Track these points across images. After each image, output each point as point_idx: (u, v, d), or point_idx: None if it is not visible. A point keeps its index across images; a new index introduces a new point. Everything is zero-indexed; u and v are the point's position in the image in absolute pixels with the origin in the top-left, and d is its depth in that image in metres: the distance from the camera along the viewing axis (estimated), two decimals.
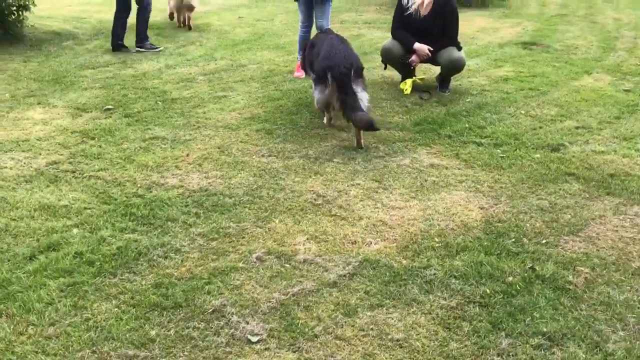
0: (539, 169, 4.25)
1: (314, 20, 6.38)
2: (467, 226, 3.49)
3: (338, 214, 3.63)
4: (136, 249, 3.27)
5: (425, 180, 4.08)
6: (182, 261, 3.17)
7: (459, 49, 5.73)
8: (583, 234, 3.42)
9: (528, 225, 3.50)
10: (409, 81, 5.80)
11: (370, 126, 4.46)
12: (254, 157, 4.47)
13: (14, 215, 3.64)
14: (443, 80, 5.93)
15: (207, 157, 4.46)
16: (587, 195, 3.87)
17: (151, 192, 3.94)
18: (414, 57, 5.69)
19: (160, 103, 5.72)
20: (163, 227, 3.50)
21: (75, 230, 3.46)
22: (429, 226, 3.49)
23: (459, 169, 4.26)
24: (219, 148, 4.62)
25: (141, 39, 7.81)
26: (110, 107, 5.60)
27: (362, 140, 4.59)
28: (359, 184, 4.01)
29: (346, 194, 3.88)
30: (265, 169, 4.25)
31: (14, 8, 8.13)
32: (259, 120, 5.18)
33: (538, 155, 4.47)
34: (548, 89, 5.97)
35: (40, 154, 4.56)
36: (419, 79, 5.88)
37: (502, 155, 4.48)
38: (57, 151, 4.62)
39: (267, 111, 5.41)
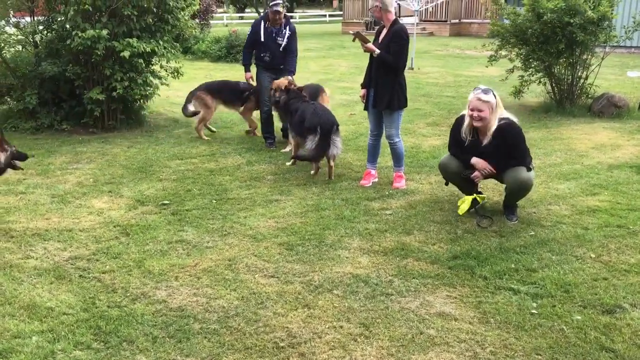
0: (570, 337, 3.46)
1: (384, 129, 6.11)
2: None
3: None
4: None
5: (421, 334, 3.51)
6: None
7: (529, 169, 5.06)
8: None
9: None
10: (467, 199, 5.21)
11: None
12: (256, 275, 4.23)
13: None
14: (508, 205, 5.25)
15: (210, 270, 4.31)
16: None
17: (134, 304, 3.86)
18: (476, 173, 5.11)
19: (214, 202, 5.75)
20: (114, 349, 3.37)
21: (34, 338, 3.46)
22: None
23: (470, 323, 3.62)
24: (229, 261, 4.46)
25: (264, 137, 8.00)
26: (166, 202, 5.75)
27: (332, 175, 6.42)
28: (341, 327, 3.56)
29: (320, 337, 3.46)
30: (256, 292, 3.98)
31: (138, 97, 8.91)
32: (288, 232, 4.96)
33: (580, 317, 3.66)
34: None
35: (70, 247, 4.75)
36: (480, 197, 5.26)
37: (534, 311, 3.74)
38: (86, 245, 4.78)
39: (304, 222, 5.18)
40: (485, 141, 5.05)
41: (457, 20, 28.26)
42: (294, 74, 7.67)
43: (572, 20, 8.82)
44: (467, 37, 26.25)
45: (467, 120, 5.10)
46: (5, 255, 4.57)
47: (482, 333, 3.51)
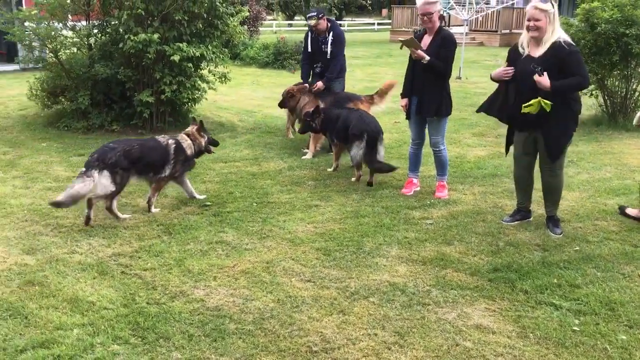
0: (614, 357, 3.34)
1: (429, 137, 6.04)
2: None
3: None
4: None
5: (456, 345, 3.44)
6: None
7: (557, 155, 4.91)
8: None
9: None
10: (535, 102, 4.76)
11: (387, 170, 6.40)
12: (292, 279, 4.24)
13: (44, 304, 3.88)
14: (551, 216, 5.11)
15: (248, 272, 4.35)
16: None
17: (172, 302, 3.93)
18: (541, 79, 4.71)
19: (254, 205, 5.81)
20: (151, 345, 3.43)
21: (75, 331, 3.55)
22: None
23: (508, 337, 3.54)
24: (267, 263, 4.49)
25: None
26: (208, 203, 5.83)
27: (373, 181, 6.44)
28: (375, 335, 3.53)
29: (354, 344, 3.44)
30: (292, 295, 3.99)
31: (186, 100, 9.09)
32: (326, 238, 4.96)
33: (625, 337, 3.53)
34: None
35: (115, 243, 4.87)
36: (546, 103, 4.73)
37: (576, 328, 3.63)
38: (129, 242, 4.89)
39: (342, 228, 5.17)
40: (539, 54, 4.78)
41: (507, 31, 27.81)
42: (330, 80, 7.81)
43: (628, 31, 8.56)
44: None
45: (524, 32, 4.89)
46: (52, 250, 4.72)
47: (520, 348, 3.43)
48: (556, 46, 4.72)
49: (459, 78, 15.44)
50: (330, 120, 6.89)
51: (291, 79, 16.20)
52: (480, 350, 3.40)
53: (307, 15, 7.87)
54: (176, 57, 8.14)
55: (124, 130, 8.92)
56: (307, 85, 8.04)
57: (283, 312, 3.79)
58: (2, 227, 5.15)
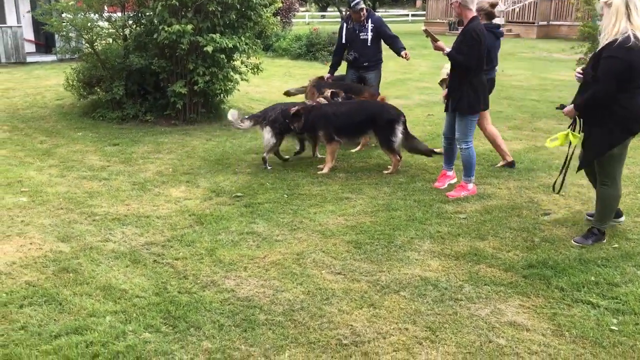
0: None
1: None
2: None
3: None
4: (140, 352, 3.27)
5: (489, 342, 3.38)
6: None
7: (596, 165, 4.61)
8: None
9: None
10: (561, 135, 4.73)
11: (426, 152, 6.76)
12: (322, 271, 4.21)
13: (78, 291, 3.94)
14: (590, 227, 4.83)
15: (278, 263, 4.34)
16: None
17: (203, 291, 3.94)
18: (568, 108, 4.65)
19: (285, 196, 5.80)
20: (182, 333, 3.45)
21: (108, 318, 3.59)
22: None
23: (543, 335, 3.45)
24: (297, 255, 4.47)
25: None
26: (240, 194, 5.85)
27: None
28: (406, 329, 3.49)
29: (384, 338, 3.40)
30: (322, 288, 3.97)
31: (219, 91, 9.13)
32: (357, 231, 4.92)
33: None
34: None
35: (147, 232, 4.92)
36: (574, 135, 4.67)
37: (614, 327, 3.52)
38: (162, 232, 4.93)
39: (374, 222, 5.12)
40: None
41: (545, 22, 27.23)
42: (404, 49, 8.05)
43: None
44: (556, 40, 25.23)
45: None
46: (87, 238, 4.78)
47: (555, 346, 3.34)
48: (607, 45, 4.34)
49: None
50: (324, 117, 6.64)
51: (323, 70, 16.13)
52: (513, 348, 3.33)
53: (355, 2, 7.72)
54: (209, 48, 8.17)
55: (157, 120, 9.02)
56: (323, 77, 8.22)
57: (313, 304, 3.77)
58: (38, 215, 5.24)
